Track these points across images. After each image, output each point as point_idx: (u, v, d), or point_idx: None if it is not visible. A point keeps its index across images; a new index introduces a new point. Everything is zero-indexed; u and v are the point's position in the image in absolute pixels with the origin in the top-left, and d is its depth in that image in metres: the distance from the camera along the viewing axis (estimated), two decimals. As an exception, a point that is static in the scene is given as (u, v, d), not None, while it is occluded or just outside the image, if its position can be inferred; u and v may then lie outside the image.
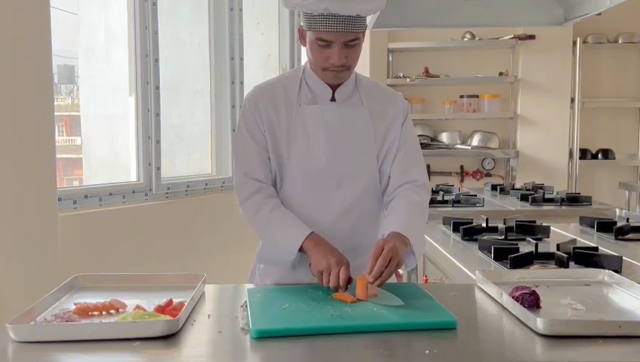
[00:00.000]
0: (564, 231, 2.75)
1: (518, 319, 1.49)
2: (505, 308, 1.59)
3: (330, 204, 1.88)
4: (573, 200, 3.65)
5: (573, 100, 5.41)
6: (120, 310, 1.55)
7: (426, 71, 5.62)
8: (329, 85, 1.88)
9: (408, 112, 1.98)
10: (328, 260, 1.69)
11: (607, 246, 2.44)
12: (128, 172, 3.51)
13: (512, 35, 5.47)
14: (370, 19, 1.82)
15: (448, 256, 2.37)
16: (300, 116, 1.86)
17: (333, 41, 1.74)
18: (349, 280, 1.66)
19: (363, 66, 5.05)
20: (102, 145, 3.63)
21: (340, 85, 1.88)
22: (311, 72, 1.89)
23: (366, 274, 1.63)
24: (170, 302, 1.56)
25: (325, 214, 1.88)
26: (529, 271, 1.95)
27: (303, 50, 1.91)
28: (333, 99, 1.89)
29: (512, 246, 2.25)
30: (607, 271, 1.87)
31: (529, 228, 2.68)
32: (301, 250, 1.77)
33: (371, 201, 1.94)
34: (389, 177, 1.93)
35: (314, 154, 1.86)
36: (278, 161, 1.89)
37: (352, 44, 1.77)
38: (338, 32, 1.72)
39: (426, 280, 2.78)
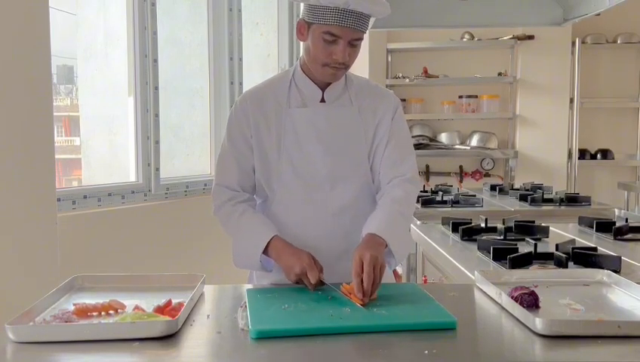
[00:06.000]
0: (563, 232, 2.75)
1: (517, 319, 1.49)
2: (504, 308, 1.59)
3: (324, 206, 1.88)
4: (572, 200, 3.65)
5: (572, 100, 5.42)
6: (119, 310, 1.54)
7: (425, 71, 5.63)
8: (319, 86, 1.88)
9: (398, 107, 1.97)
10: (302, 264, 1.70)
11: (606, 246, 2.44)
12: (127, 172, 3.51)
13: (511, 36, 5.48)
14: (370, 21, 1.83)
15: (447, 256, 2.37)
16: (289, 119, 1.87)
17: (341, 37, 1.75)
18: (321, 269, 1.72)
19: (362, 67, 5.05)
20: (101, 146, 3.63)
21: (329, 86, 1.88)
22: (301, 74, 1.89)
23: (355, 291, 1.60)
24: (170, 302, 1.56)
25: (320, 216, 1.88)
26: (528, 271, 1.95)
27: (302, 50, 1.90)
28: (323, 100, 1.89)
29: (511, 247, 2.25)
30: (606, 271, 1.87)
31: (528, 229, 2.68)
32: (267, 254, 1.81)
33: (365, 202, 1.93)
34: (380, 171, 1.92)
35: (305, 157, 1.86)
36: (268, 166, 1.89)
37: (355, 43, 1.78)
38: (349, 27, 1.73)
39: (425, 281, 2.78)
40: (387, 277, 2.00)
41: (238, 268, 1.93)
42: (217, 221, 1.96)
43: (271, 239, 1.80)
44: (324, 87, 1.89)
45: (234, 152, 1.91)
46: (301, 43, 1.90)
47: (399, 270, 1.90)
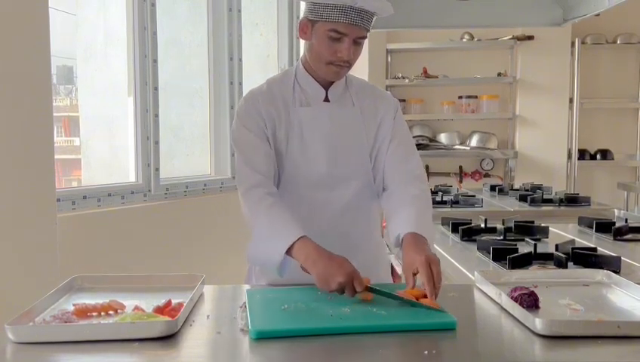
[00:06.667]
0: (562, 232, 2.75)
1: (517, 319, 1.49)
2: (504, 309, 1.59)
3: (326, 206, 1.88)
4: (572, 200, 3.65)
5: (571, 101, 5.43)
6: (119, 311, 1.54)
7: (425, 71, 5.63)
8: (321, 85, 1.88)
9: (398, 108, 1.98)
10: (340, 275, 1.57)
11: (605, 246, 2.44)
12: (127, 173, 3.51)
13: (511, 36, 5.48)
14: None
15: (447, 256, 2.37)
16: (295, 117, 1.86)
17: (347, 35, 1.75)
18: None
19: (362, 67, 5.05)
20: (101, 146, 3.62)
21: (331, 85, 1.89)
22: (304, 73, 1.89)
23: (429, 295, 1.54)
24: (169, 302, 1.56)
25: (321, 215, 1.88)
26: (528, 271, 1.95)
27: (302, 50, 1.91)
28: (326, 99, 1.90)
29: (510, 247, 2.25)
30: (605, 271, 1.87)
31: (528, 229, 2.69)
32: (292, 253, 1.68)
33: (366, 202, 1.93)
34: (385, 169, 1.91)
35: (309, 156, 1.86)
36: (278, 161, 1.88)
37: (359, 41, 1.79)
38: (355, 25, 1.73)
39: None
40: (386, 278, 2.01)
41: (237, 269, 1.92)
42: (242, 204, 1.83)
43: (299, 238, 1.68)
44: (326, 86, 1.89)
45: (258, 140, 1.85)
46: (302, 42, 1.90)
47: (399, 270, 1.90)
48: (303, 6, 1.84)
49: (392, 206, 1.86)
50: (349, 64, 1.81)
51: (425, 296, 1.56)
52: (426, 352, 1.31)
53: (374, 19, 1.81)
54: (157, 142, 3.50)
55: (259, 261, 1.83)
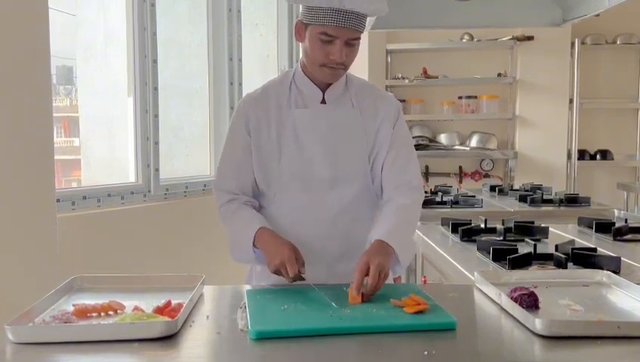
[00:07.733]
0: (562, 232, 2.75)
1: (517, 320, 1.49)
2: (503, 309, 1.59)
3: (324, 207, 1.88)
4: (572, 201, 3.65)
5: (571, 101, 5.42)
6: (118, 311, 1.54)
7: (425, 72, 5.63)
8: (319, 87, 1.88)
9: (400, 112, 1.97)
10: (282, 256, 1.71)
11: (605, 246, 2.44)
12: (127, 173, 3.51)
13: (511, 36, 5.48)
14: (368, 21, 1.83)
15: (447, 256, 2.37)
16: (290, 119, 1.86)
17: (338, 37, 1.74)
18: (303, 263, 1.73)
19: (361, 68, 5.05)
20: (100, 147, 3.62)
21: (329, 87, 1.88)
22: (301, 75, 1.89)
23: (353, 287, 1.61)
24: (169, 303, 1.56)
25: (319, 218, 1.88)
26: (528, 271, 1.95)
27: (301, 51, 1.91)
28: (323, 101, 1.89)
29: (510, 247, 2.25)
30: (605, 271, 1.87)
31: (527, 229, 2.69)
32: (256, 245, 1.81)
33: (365, 204, 1.93)
34: (383, 176, 1.91)
35: (306, 158, 1.86)
36: (268, 168, 1.88)
37: (352, 43, 1.78)
38: (345, 27, 1.73)
39: (425, 281, 2.78)
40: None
41: (237, 269, 1.93)
42: (219, 221, 1.97)
43: (258, 230, 1.80)
44: (324, 88, 1.89)
45: (233, 157, 1.92)
46: (300, 44, 1.90)
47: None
48: (300, 7, 1.83)
49: (381, 214, 1.89)
50: (343, 66, 1.80)
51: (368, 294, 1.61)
52: (426, 352, 1.31)
53: (373, 19, 1.81)
54: (157, 143, 3.50)
55: (240, 259, 1.91)
